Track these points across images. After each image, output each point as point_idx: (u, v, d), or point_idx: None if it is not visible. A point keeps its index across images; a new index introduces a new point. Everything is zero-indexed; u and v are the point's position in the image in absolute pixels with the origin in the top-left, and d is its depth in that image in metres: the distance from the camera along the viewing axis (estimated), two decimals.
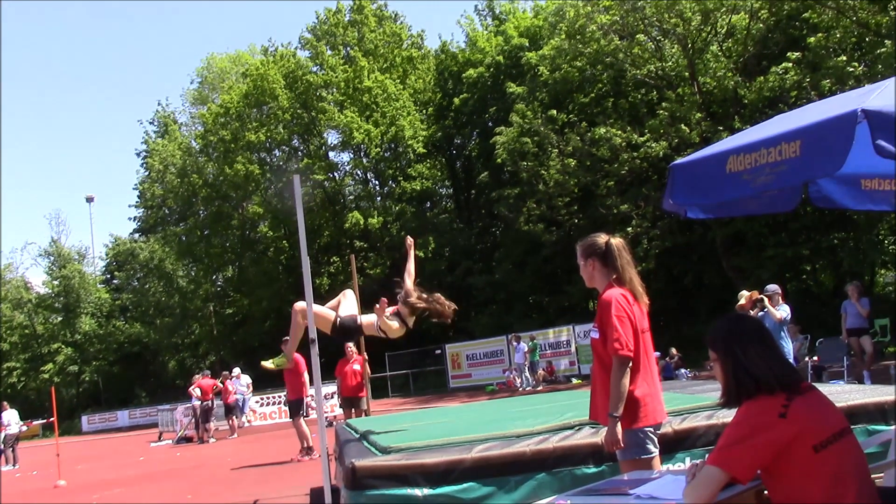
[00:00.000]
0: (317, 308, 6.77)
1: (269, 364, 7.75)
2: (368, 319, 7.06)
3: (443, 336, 35.11)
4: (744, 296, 11.41)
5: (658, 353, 21.08)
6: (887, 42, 20.81)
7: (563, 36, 27.86)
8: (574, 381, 25.22)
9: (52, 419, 22.58)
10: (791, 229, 24.70)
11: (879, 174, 4.68)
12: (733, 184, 3.66)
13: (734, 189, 3.69)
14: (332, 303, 7.44)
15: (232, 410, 23.43)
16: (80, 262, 56.38)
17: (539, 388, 24.08)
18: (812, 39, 22.72)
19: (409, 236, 7.92)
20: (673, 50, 26.78)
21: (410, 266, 7.38)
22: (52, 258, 54.68)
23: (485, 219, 38.27)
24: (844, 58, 21.70)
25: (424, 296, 6.88)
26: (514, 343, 26.52)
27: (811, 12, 23.61)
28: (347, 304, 7.36)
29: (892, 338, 18.65)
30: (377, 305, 6.68)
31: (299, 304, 6.97)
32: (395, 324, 6.84)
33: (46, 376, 49.63)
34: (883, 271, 30.18)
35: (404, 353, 33.26)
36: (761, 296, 11.04)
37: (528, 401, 9.64)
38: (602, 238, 4.30)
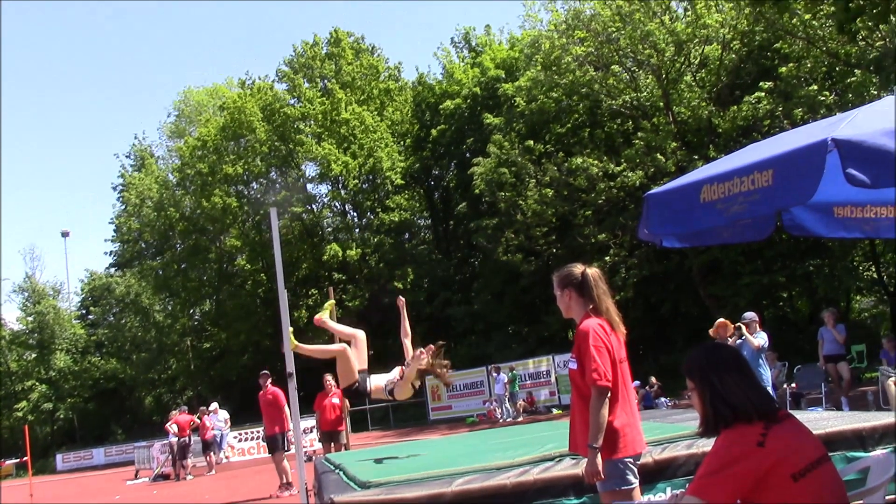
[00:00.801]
0: (340, 344, 6.90)
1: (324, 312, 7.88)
2: (377, 384, 7.19)
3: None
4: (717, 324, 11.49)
5: (637, 383, 21.19)
6: (857, 71, 21.18)
7: (539, 67, 28.15)
8: (554, 411, 25.14)
9: (25, 458, 22.20)
10: (766, 257, 24.90)
11: (851, 202, 4.73)
12: (707, 213, 3.68)
13: (708, 218, 3.71)
14: (346, 332, 7.45)
15: (209, 446, 23.10)
16: (55, 298, 55.72)
17: (519, 419, 23.98)
18: (784, 69, 23.11)
19: (400, 297, 8.09)
20: (647, 80, 27.11)
21: (406, 326, 7.61)
22: (26, 294, 54.01)
23: (463, 249, 38.31)
24: (816, 87, 22.07)
25: (430, 360, 7.23)
26: (494, 374, 26.43)
27: (782, 43, 24.02)
28: (360, 354, 7.41)
29: (869, 364, 18.77)
30: (419, 352, 6.93)
31: (340, 347, 7.26)
32: (408, 388, 7.11)
33: (20, 414, 48.76)
34: (858, 297, 30.49)
35: None
36: (739, 324, 11.08)
37: (509, 432, 9.59)
38: (578, 268, 4.30)
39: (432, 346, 7.12)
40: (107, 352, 53.53)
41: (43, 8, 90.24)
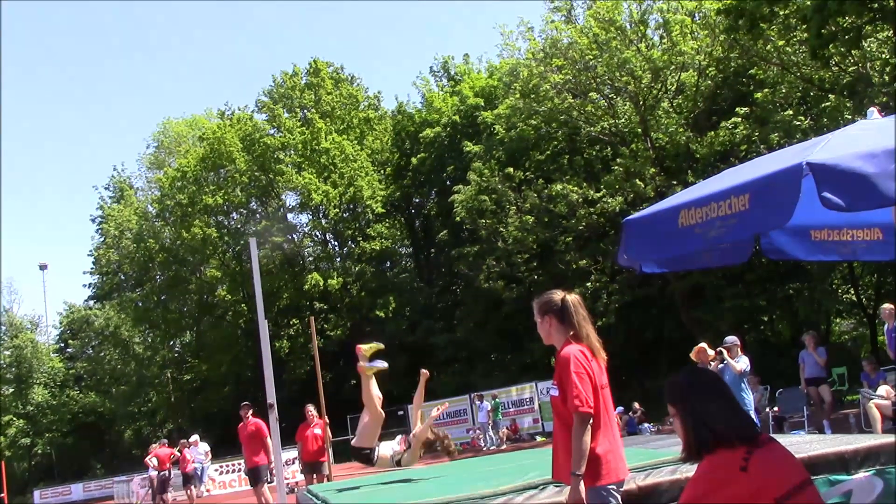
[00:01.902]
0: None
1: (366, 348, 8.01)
2: (384, 453, 7.37)
3: (405, 397, 34.76)
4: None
5: (621, 408, 21.16)
6: (831, 96, 21.48)
7: (518, 95, 28.35)
8: (538, 438, 25.03)
9: (2, 495, 21.83)
10: (747, 281, 25.03)
11: (828, 225, 4.77)
12: (685, 238, 3.69)
13: (686, 243, 3.72)
14: (375, 405, 7.77)
15: (190, 480, 22.79)
16: (33, 331, 55.28)
17: (503, 447, 23.86)
18: (759, 95, 23.41)
19: (424, 370, 8.33)
20: (625, 107, 27.35)
21: (420, 398, 7.76)
22: (3, 328, 53.45)
23: (445, 277, 38.28)
24: (791, 112, 22.35)
25: (436, 431, 7.81)
26: (478, 402, 26.32)
27: (757, 69, 24.35)
28: (375, 426, 7.84)
29: (850, 386, 18.84)
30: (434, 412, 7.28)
31: (381, 412, 7.76)
32: (416, 456, 7.36)
33: None
34: (838, 320, 30.67)
35: None
36: (720, 348, 11.10)
37: (493, 460, 9.53)
38: (558, 295, 4.29)
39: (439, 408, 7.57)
40: (86, 385, 53.00)
41: (21, 39, 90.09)
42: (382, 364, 8.02)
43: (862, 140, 3.41)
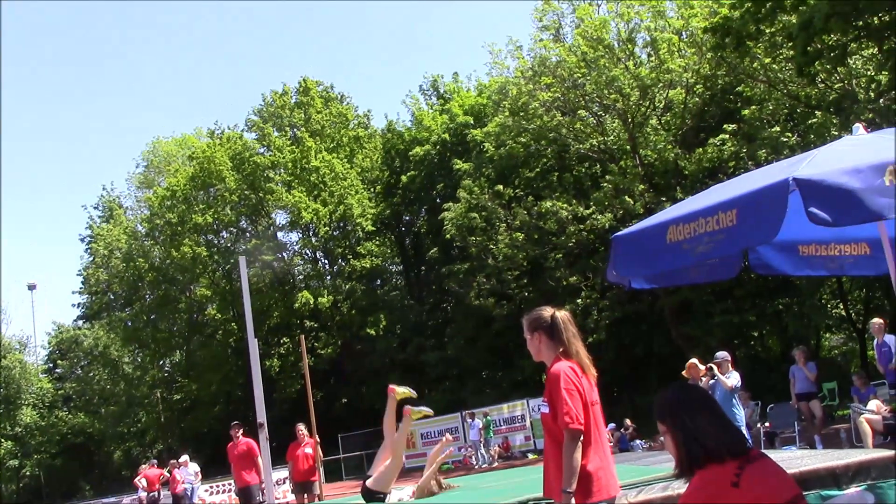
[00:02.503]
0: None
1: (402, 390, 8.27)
2: (393, 501, 7.50)
3: (396, 415, 34.61)
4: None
5: (613, 425, 21.13)
6: (818, 113, 21.65)
7: (507, 113, 28.46)
8: (530, 455, 24.96)
9: None
10: (736, 296, 25.10)
11: (816, 240, 4.80)
12: (674, 253, 3.71)
13: (675, 259, 3.74)
14: (399, 451, 8.00)
15: (180, 500, 22.58)
16: (21, 352, 54.90)
17: (495, 465, 23.78)
18: (746, 112, 23.58)
19: (448, 435, 8.70)
20: (614, 124, 27.49)
21: (392, 425, 7.96)
22: None
23: (435, 295, 38.24)
24: (778, 128, 22.52)
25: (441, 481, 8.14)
26: (469, 420, 26.25)
27: (744, 86, 24.53)
28: (395, 471, 7.96)
29: (841, 401, 18.88)
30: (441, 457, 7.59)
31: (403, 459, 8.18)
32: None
33: None
34: (828, 335, 30.76)
35: (358, 433, 32.71)
36: (711, 364, 11.13)
37: (484, 479, 9.50)
38: (547, 311, 4.29)
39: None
40: (74, 406, 52.65)
41: (10, 59, 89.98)
42: (428, 410, 8.32)
43: (848, 156, 3.44)
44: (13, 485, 51.90)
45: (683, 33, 25.66)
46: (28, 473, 51.43)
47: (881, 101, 19.24)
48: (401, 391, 8.17)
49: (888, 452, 6.09)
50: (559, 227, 26.42)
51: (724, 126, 23.98)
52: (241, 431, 14.15)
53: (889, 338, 12.58)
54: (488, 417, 26.16)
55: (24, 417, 51.03)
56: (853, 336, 28.89)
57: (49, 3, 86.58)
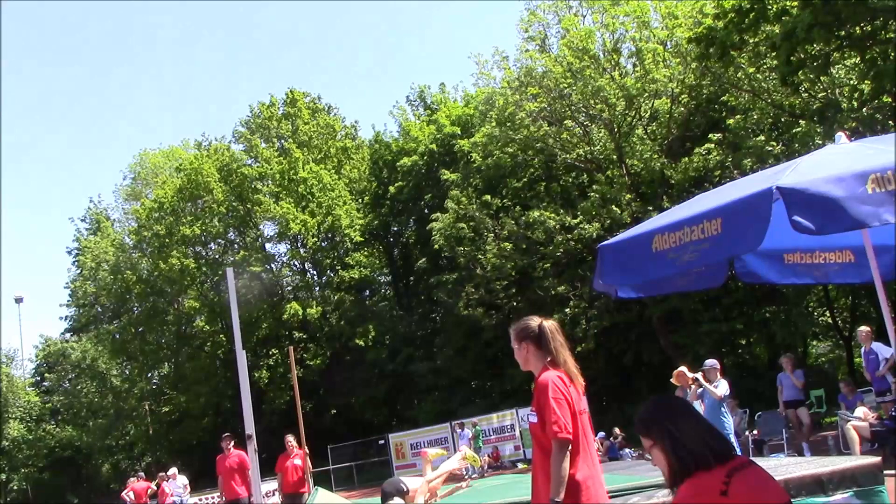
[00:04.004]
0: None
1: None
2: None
3: (386, 425, 34.57)
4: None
5: (602, 434, 21.12)
6: (802, 122, 21.81)
7: (494, 123, 28.53)
8: (520, 465, 24.91)
9: None
10: (724, 304, 25.18)
11: (801, 249, 4.84)
12: (660, 262, 3.73)
13: (661, 267, 3.76)
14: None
15: None
16: (9, 365, 54.55)
17: (485, 475, 23.73)
18: (731, 121, 23.75)
19: (467, 450, 9.36)
20: (600, 134, 27.59)
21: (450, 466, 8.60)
22: None
23: (424, 305, 38.22)
24: (763, 137, 22.66)
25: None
26: (459, 430, 26.20)
27: (729, 95, 24.70)
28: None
29: (828, 408, 18.96)
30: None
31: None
32: None
33: None
34: (815, 342, 30.89)
35: (347, 444, 32.64)
36: (696, 375, 11.15)
37: (474, 488, 9.50)
38: (535, 321, 4.31)
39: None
40: (62, 419, 52.37)
41: None
42: (441, 450, 9.25)
43: (831, 164, 3.47)
44: (0, 499, 51.49)
45: (668, 43, 25.80)
46: (15, 487, 51.05)
47: (864, 109, 19.38)
48: (433, 452, 8.78)
49: (874, 459, 6.13)
50: (547, 237, 26.47)
51: (710, 135, 24.13)
52: (232, 443, 14.08)
53: (876, 345, 12.66)
54: (478, 427, 26.11)
55: (11, 431, 50.68)
56: (840, 344, 29.02)
57: (38, 13, 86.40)
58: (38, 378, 56.32)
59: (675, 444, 2.87)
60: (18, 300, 62.24)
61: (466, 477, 9.62)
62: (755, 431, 15.75)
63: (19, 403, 52.37)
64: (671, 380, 11.50)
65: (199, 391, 39.25)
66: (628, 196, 25.25)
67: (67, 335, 52.08)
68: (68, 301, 49.35)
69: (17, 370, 56.12)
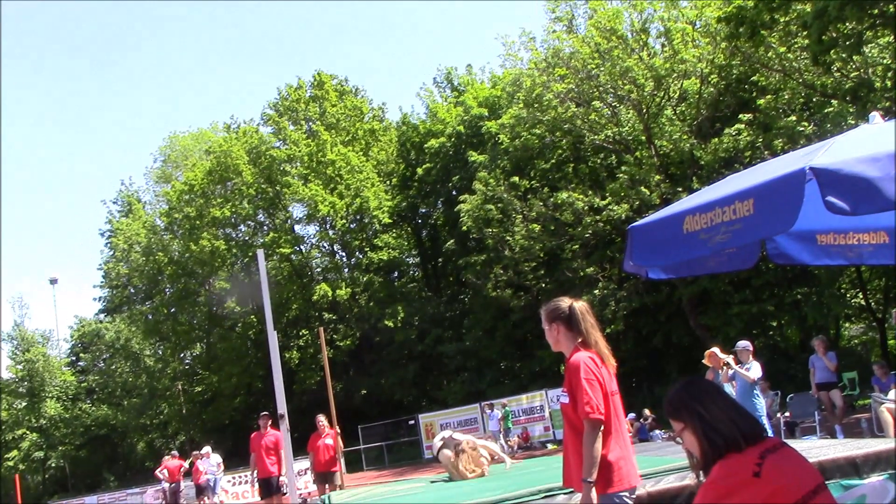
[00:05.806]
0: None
1: None
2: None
3: (416, 406, 34.77)
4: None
5: (633, 415, 21.11)
6: (834, 101, 21.48)
7: (521, 105, 28.38)
8: (549, 446, 24.99)
9: None
10: (755, 286, 24.98)
11: (834, 230, 4.79)
12: (691, 243, 3.71)
13: (692, 248, 3.74)
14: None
15: (203, 491, 22.81)
16: (45, 345, 55.44)
17: (514, 455, 23.82)
18: (762, 101, 23.42)
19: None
20: (629, 115, 27.34)
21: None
22: (15, 342, 53.66)
23: (453, 286, 38.27)
24: (794, 118, 22.36)
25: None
26: (488, 411, 26.27)
27: (759, 75, 24.35)
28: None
29: (861, 391, 18.78)
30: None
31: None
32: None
33: (11, 464, 48.30)
34: (847, 324, 30.56)
35: (378, 424, 32.86)
36: (727, 359, 11.08)
37: (504, 469, 9.54)
38: (565, 302, 4.32)
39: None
40: (97, 398, 53.20)
41: (27, 54, 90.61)
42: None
43: (865, 144, 3.43)
44: (39, 476, 52.51)
45: (697, 23, 25.48)
46: (53, 465, 52.02)
47: None
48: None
49: None
50: (575, 218, 26.36)
51: (740, 116, 23.81)
52: (269, 422, 14.24)
53: None
54: (507, 408, 26.17)
55: (48, 410, 51.57)
56: (873, 325, 28.67)
57: None
58: (74, 358, 57.20)
59: (706, 426, 2.87)
60: (53, 281, 63.28)
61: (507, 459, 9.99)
62: (787, 413, 15.66)
63: (56, 383, 53.25)
64: (703, 360, 11.46)
65: (230, 371, 39.68)
66: (657, 177, 25.05)
67: (101, 316, 52.80)
68: (101, 282, 49.98)
69: (53, 350, 57.05)
